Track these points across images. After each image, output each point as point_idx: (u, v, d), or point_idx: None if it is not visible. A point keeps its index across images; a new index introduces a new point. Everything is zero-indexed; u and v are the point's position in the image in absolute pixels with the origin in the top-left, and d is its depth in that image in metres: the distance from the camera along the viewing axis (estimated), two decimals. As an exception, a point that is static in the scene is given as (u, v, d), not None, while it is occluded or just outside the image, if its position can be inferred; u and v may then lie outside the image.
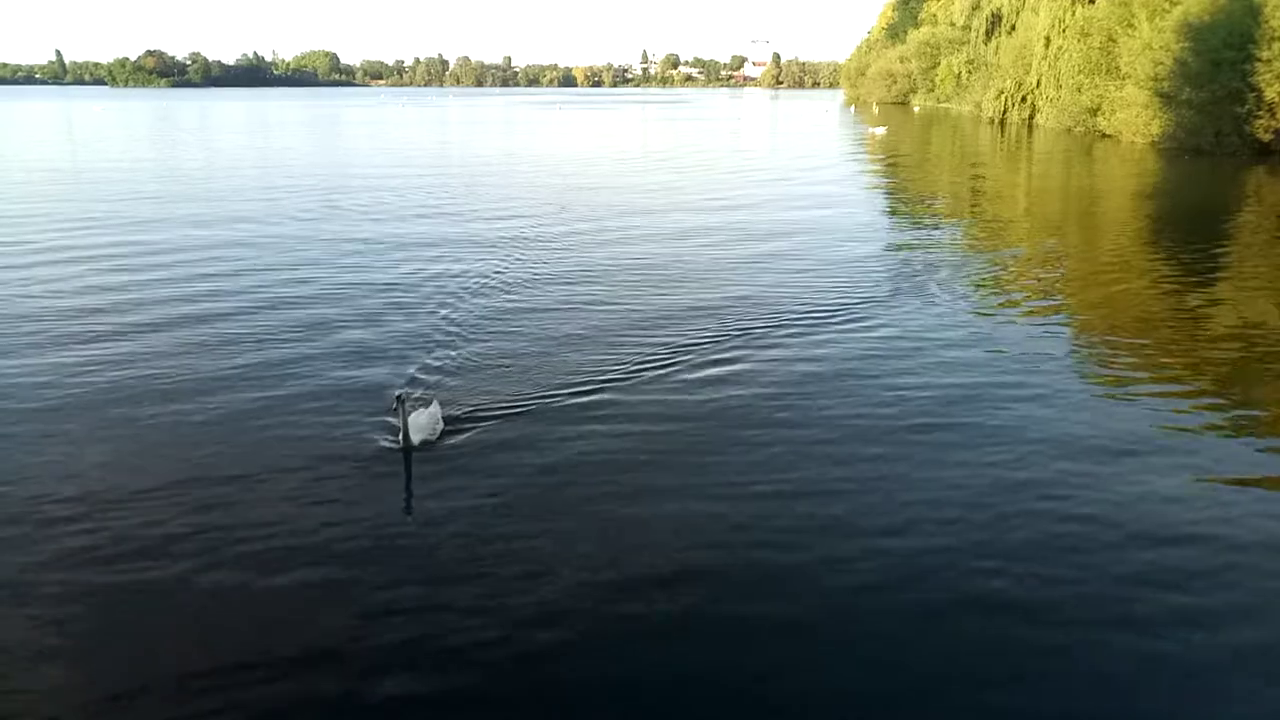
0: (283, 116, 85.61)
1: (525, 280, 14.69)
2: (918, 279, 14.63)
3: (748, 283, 14.47)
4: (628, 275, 15.10)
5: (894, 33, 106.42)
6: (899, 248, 17.81)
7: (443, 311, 12.59)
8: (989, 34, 70.78)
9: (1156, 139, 40.02)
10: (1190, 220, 22.22)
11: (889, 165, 36.68)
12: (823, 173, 33.70)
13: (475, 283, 14.34)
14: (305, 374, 9.96)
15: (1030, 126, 55.96)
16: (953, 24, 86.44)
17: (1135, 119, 41.93)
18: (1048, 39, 52.65)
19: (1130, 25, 42.78)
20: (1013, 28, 64.86)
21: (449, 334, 11.56)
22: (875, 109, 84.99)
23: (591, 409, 8.92)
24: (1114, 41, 44.43)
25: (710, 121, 79.06)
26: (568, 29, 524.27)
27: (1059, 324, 12.22)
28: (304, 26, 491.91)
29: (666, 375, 9.91)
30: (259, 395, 9.26)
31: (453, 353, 10.72)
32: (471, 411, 8.70)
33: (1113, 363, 10.52)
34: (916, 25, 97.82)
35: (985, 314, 12.65)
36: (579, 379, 9.69)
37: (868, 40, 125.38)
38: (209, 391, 9.37)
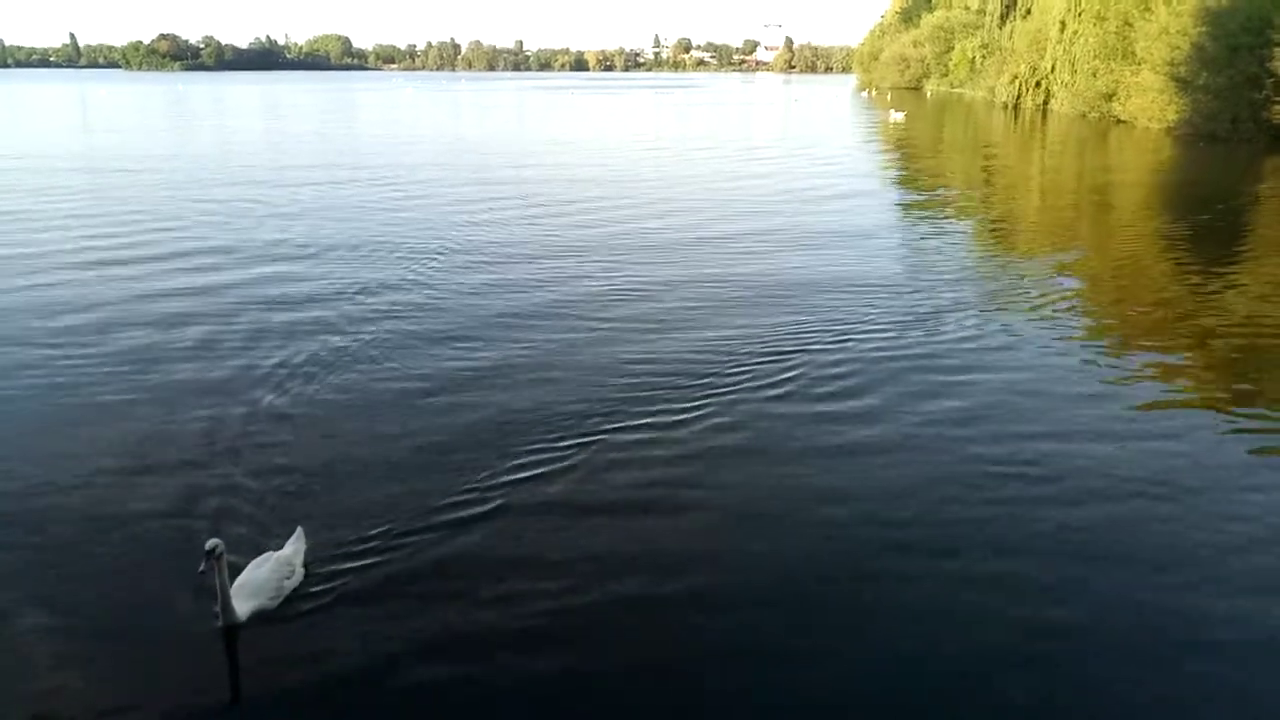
0: (295, 100, 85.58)
1: (530, 300, 12.54)
2: (953, 283, 13.70)
3: (788, 295, 12.85)
4: (613, 298, 12.74)
5: (908, 17, 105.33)
6: (931, 244, 17.16)
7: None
8: (1004, 18, 70.18)
9: (1172, 125, 39.70)
10: (1218, 209, 21.22)
11: (914, 153, 36.01)
12: (848, 162, 33.44)
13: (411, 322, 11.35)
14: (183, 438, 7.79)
15: (1044, 112, 55.50)
16: (967, 8, 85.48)
17: (1151, 104, 41.62)
18: (1063, 23, 52.15)
19: (1147, 9, 42.39)
20: (1028, 11, 64.24)
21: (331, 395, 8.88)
22: (880, 94, 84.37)
23: (552, 513, 6.61)
24: (1130, 26, 44.03)
25: (723, 106, 78.67)
26: (579, 13, 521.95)
27: (1098, 336, 11.57)
28: (316, 10, 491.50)
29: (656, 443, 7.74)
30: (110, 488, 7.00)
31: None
32: (362, 535, 6.18)
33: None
34: (931, 9, 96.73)
35: (1037, 325, 11.52)
36: (546, 460, 7.35)
37: (881, 24, 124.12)
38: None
